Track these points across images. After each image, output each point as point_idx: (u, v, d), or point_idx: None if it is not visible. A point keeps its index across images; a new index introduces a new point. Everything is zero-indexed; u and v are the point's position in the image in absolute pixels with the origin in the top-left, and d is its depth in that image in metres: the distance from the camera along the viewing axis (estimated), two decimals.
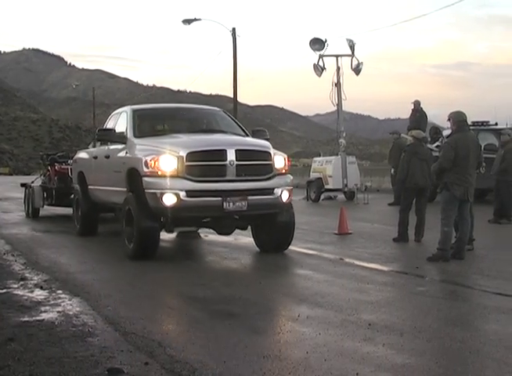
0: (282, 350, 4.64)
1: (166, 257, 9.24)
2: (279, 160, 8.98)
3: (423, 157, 10.32)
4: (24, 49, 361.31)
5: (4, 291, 6.73)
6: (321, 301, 6.17)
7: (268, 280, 7.48)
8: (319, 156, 23.19)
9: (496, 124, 17.80)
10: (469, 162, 8.46)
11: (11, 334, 4.94)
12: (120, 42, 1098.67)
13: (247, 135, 9.95)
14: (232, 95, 32.33)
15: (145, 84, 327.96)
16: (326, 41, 20.90)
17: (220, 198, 8.36)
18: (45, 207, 15.90)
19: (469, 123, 9.41)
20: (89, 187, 11.37)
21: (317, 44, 20.93)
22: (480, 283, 7.03)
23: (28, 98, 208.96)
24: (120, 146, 9.70)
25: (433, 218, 9.92)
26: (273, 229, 9.21)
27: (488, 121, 17.96)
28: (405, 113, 21.33)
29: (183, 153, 8.35)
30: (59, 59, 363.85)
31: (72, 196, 13.02)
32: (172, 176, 8.34)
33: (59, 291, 6.66)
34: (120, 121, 10.34)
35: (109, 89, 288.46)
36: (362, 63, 20.61)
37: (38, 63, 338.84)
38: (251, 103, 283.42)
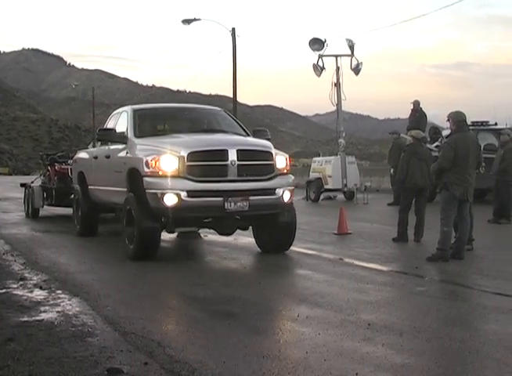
0: (281, 350, 4.64)
1: (166, 257, 9.23)
2: (281, 161, 8.94)
3: (422, 157, 10.32)
4: (24, 49, 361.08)
5: (3, 290, 6.73)
6: (320, 301, 6.18)
7: (267, 280, 7.48)
8: (319, 156, 23.16)
9: (496, 124, 17.78)
10: (468, 162, 8.46)
11: (10, 334, 4.94)
12: (120, 42, 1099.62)
13: (248, 135, 9.93)
14: (231, 95, 32.29)
15: (144, 84, 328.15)
16: (325, 41, 20.92)
17: (221, 198, 8.33)
18: (45, 207, 15.89)
19: (468, 123, 9.42)
20: (89, 187, 11.35)
21: (316, 44, 20.93)
22: (479, 283, 7.03)
23: (28, 98, 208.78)
24: (120, 146, 9.68)
25: (432, 218, 9.92)
26: (275, 229, 9.18)
27: (488, 121, 17.95)
28: (405, 113, 21.32)
29: (184, 153, 8.33)
30: (59, 59, 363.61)
31: (72, 196, 13.02)
32: (173, 176, 8.32)
33: (59, 291, 6.66)
34: (120, 120, 10.32)
35: (109, 89, 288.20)
36: (361, 63, 20.62)
37: (38, 63, 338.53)
38: (251, 103, 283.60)
